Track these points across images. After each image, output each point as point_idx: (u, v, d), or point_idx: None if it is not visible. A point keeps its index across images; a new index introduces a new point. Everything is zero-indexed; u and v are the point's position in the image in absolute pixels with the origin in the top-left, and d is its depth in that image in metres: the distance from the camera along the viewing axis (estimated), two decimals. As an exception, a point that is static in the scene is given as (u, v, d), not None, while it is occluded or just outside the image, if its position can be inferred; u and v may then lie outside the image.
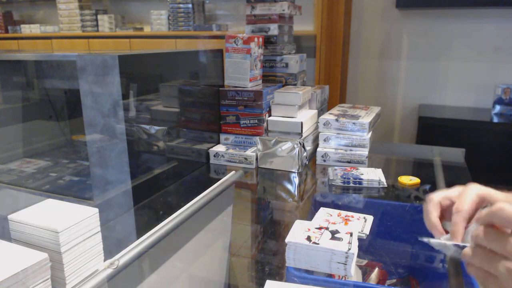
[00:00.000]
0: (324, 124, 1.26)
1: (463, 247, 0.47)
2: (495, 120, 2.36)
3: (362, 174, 1.11)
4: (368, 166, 1.20)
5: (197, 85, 1.23)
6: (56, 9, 3.78)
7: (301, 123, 1.25)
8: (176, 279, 0.81)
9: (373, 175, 1.10)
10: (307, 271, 0.64)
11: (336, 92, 2.70)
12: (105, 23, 3.62)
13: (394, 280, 0.85)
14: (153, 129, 1.02)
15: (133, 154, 0.93)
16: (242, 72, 1.29)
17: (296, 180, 1.17)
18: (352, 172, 1.12)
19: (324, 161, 1.26)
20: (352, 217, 0.79)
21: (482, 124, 2.33)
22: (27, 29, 3.96)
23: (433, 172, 1.19)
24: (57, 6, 3.75)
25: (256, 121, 1.27)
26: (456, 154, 1.37)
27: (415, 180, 1.10)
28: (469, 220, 0.50)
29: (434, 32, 2.66)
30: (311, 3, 2.78)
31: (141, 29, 3.68)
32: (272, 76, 1.47)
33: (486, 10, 2.52)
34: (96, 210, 0.63)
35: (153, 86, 1.05)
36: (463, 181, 1.19)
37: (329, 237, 0.64)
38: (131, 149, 0.92)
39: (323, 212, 0.81)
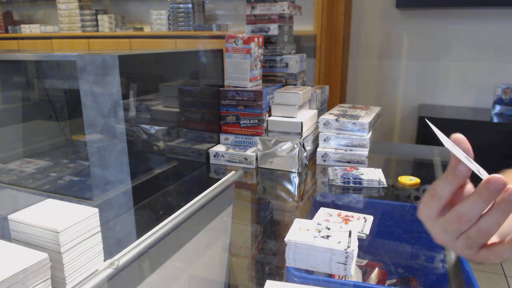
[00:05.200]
0: (324, 124, 1.26)
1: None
2: (495, 120, 2.36)
3: (362, 174, 1.11)
4: (368, 166, 1.20)
5: (197, 85, 1.23)
6: (56, 9, 3.77)
7: (301, 123, 1.25)
8: (176, 279, 0.81)
9: (373, 175, 1.10)
10: (307, 271, 0.64)
11: (336, 92, 2.70)
12: (105, 23, 3.62)
13: (394, 280, 0.85)
14: (153, 129, 1.02)
15: (133, 154, 0.93)
16: (242, 72, 1.29)
17: (296, 180, 1.17)
18: (352, 172, 1.12)
19: (324, 161, 1.26)
20: (352, 217, 0.79)
21: (482, 124, 2.33)
22: (27, 29, 3.96)
23: (433, 172, 1.19)
24: (57, 6, 3.75)
25: (256, 121, 1.27)
26: (456, 154, 1.37)
27: (415, 180, 1.10)
28: None
29: (434, 32, 2.66)
30: (311, 3, 2.78)
31: (141, 29, 3.68)
32: (272, 76, 1.47)
33: (486, 10, 2.52)
34: (96, 210, 0.63)
35: (153, 86, 1.05)
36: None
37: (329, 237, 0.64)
38: (131, 149, 0.92)
39: (323, 212, 0.81)
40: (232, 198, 1.09)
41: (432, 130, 0.43)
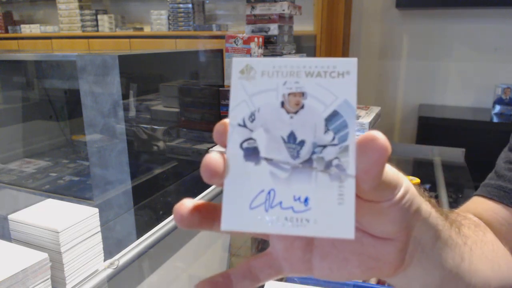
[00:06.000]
0: (324, 124, 1.26)
1: None
2: (495, 120, 2.36)
3: (362, 174, 1.11)
4: (368, 166, 1.20)
5: (197, 85, 1.23)
6: (56, 9, 3.77)
7: (301, 123, 1.25)
8: (176, 279, 0.81)
9: (373, 175, 1.09)
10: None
11: (336, 92, 2.70)
12: (105, 23, 3.62)
13: (394, 280, 0.85)
14: (153, 129, 1.02)
15: (133, 154, 0.93)
16: (242, 72, 1.29)
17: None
18: (352, 172, 1.12)
19: (324, 161, 1.25)
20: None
21: (482, 124, 2.33)
22: (27, 29, 3.96)
23: (433, 172, 1.19)
24: (57, 6, 3.75)
25: (256, 121, 1.27)
26: (456, 154, 1.37)
27: (415, 180, 1.09)
28: None
29: (434, 32, 2.66)
30: (311, 3, 2.78)
31: (141, 29, 3.68)
32: (272, 76, 1.47)
33: (486, 10, 2.52)
34: (96, 210, 0.63)
35: (153, 86, 1.05)
36: (463, 181, 1.19)
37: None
38: (131, 149, 0.92)
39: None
40: (232, 198, 1.08)
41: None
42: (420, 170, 1.32)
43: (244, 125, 0.23)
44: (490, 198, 0.47)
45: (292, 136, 0.23)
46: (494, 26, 2.52)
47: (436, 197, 1.01)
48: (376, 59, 2.87)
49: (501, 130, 2.31)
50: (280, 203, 0.22)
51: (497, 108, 2.43)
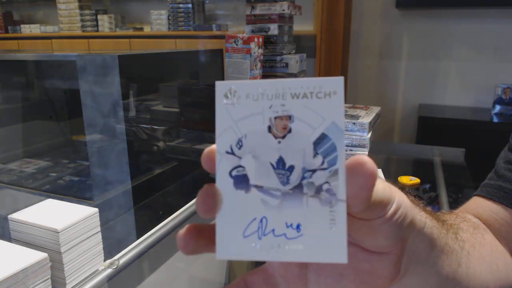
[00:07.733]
0: (324, 124, 1.26)
1: None
2: (495, 120, 2.36)
3: (362, 174, 1.10)
4: (368, 166, 1.20)
5: (197, 85, 1.23)
6: (56, 9, 3.77)
7: (301, 123, 1.25)
8: (176, 279, 0.81)
9: (373, 175, 1.09)
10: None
11: (336, 92, 2.69)
12: (105, 23, 3.62)
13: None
14: (153, 129, 1.02)
15: (133, 154, 0.93)
16: (242, 72, 1.29)
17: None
18: (352, 172, 1.12)
19: (324, 161, 1.25)
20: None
21: (482, 124, 2.33)
22: (27, 29, 3.96)
23: (433, 172, 1.19)
24: (57, 6, 3.75)
25: (256, 121, 1.27)
26: (456, 154, 1.37)
27: (415, 180, 1.10)
28: None
29: (434, 32, 2.66)
30: (311, 3, 2.78)
31: (141, 29, 3.68)
32: (272, 76, 1.47)
33: (486, 10, 2.52)
34: (96, 210, 0.63)
35: (153, 86, 1.05)
36: (463, 181, 1.19)
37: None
38: (131, 149, 0.92)
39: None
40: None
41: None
42: (420, 170, 1.32)
43: (232, 153, 0.23)
44: (490, 199, 0.47)
45: (281, 162, 0.23)
46: (494, 26, 2.52)
47: (436, 197, 1.01)
48: (376, 59, 2.87)
49: (501, 130, 2.31)
50: (273, 230, 0.22)
51: (497, 108, 2.43)
